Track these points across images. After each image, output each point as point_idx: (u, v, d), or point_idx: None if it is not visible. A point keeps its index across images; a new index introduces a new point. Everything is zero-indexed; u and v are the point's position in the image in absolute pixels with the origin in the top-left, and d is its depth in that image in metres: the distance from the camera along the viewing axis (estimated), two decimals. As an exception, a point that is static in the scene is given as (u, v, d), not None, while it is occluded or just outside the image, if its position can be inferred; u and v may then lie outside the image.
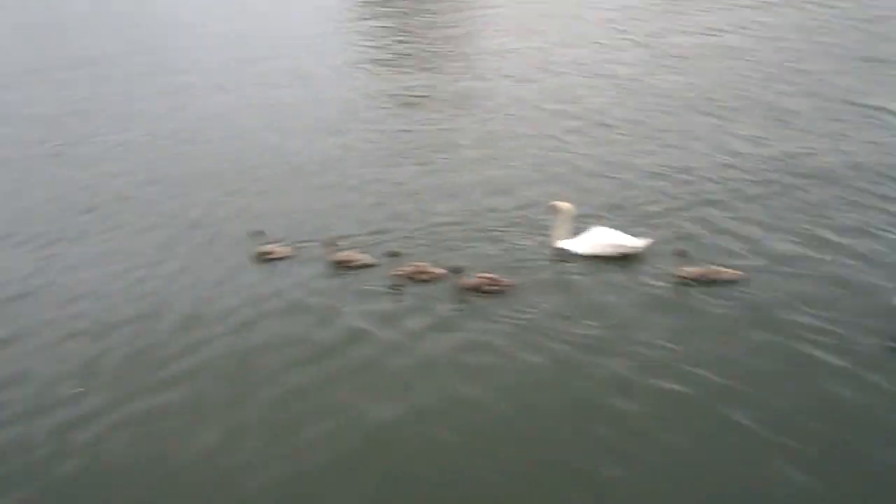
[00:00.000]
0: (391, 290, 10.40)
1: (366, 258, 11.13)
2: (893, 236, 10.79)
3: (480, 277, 10.13)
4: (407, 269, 10.64)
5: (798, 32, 23.33)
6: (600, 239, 10.71)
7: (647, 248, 10.58)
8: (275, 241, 11.78)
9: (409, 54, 25.13)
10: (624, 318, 9.23)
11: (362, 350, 9.14)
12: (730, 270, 9.85)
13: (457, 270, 10.20)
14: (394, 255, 10.79)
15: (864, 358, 8.17)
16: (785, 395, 7.73)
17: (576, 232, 11.01)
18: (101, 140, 18.83)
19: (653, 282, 10.03)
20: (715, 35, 23.69)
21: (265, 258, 11.52)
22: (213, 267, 11.58)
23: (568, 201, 11.19)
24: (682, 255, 9.94)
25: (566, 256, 10.84)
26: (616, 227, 10.95)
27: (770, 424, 7.31)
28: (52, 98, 23.94)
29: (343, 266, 11.09)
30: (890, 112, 15.73)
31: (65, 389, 8.84)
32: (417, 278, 10.51)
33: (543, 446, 7.39)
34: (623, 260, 10.56)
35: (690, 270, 9.87)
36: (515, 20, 29.28)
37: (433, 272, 10.51)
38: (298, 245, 11.83)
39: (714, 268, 9.88)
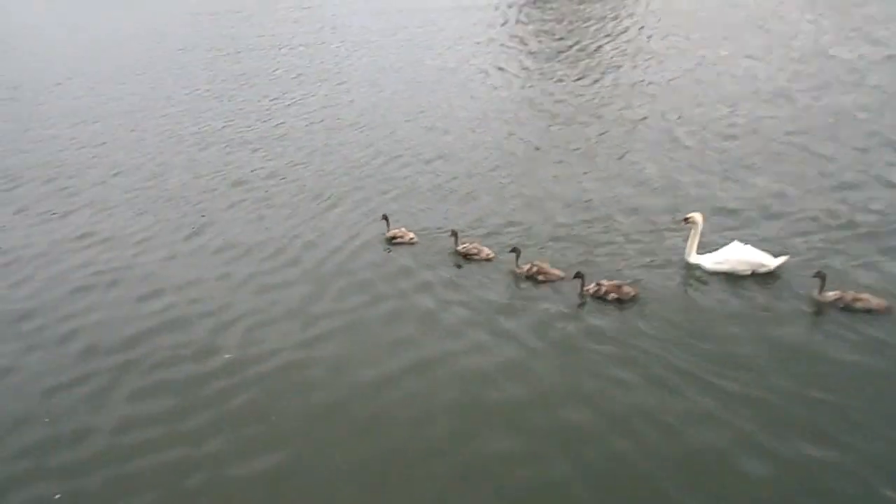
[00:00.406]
0: (509, 285, 10.50)
1: (487, 251, 11.28)
2: None
3: (600, 283, 9.95)
4: (525, 266, 10.68)
5: None
6: (735, 255, 10.20)
7: (785, 268, 10.01)
8: (403, 227, 12.24)
9: (560, 57, 25.00)
10: (737, 344, 8.68)
11: (463, 340, 9.33)
12: (874, 298, 9.10)
13: (579, 275, 10.10)
14: (514, 251, 10.85)
15: None
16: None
17: (711, 246, 10.64)
18: (261, 125, 20.22)
19: (780, 304, 9.46)
20: None
21: (393, 241, 11.99)
22: (345, 246, 12.22)
23: (703, 214, 10.80)
24: (822, 278, 9.32)
25: (698, 270, 10.44)
26: (753, 243, 10.40)
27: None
28: (215, 84, 26.02)
29: (465, 256, 11.32)
30: None
31: (209, 339, 9.84)
32: (535, 277, 10.53)
33: (621, 460, 7.19)
34: (756, 277, 10.04)
35: (828, 294, 9.26)
36: (688, 26, 28.14)
37: (551, 272, 10.48)
38: (425, 232, 12.26)
39: (855, 294, 9.17)
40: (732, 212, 12.14)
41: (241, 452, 7.72)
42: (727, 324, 9.15)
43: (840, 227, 11.22)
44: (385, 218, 12.28)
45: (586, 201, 13.12)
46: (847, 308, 9.10)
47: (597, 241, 11.55)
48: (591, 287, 9.94)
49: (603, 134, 16.76)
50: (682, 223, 10.81)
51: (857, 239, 10.83)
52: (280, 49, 31.69)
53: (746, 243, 10.32)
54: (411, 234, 12.03)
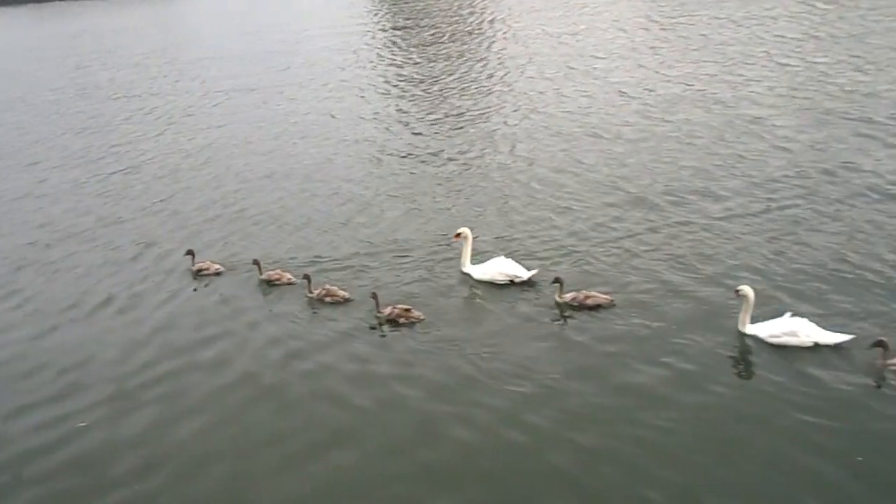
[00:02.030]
0: (303, 308, 11.62)
1: (289, 277, 12.37)
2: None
3: (395, 307, 10.98)
4: (318, 290, 11.80)
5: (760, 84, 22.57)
6: (497, 267, 11.78)
7: (537, 276, 11.60)
8: (209, 260, 13.22)
9: (410, 99, 26.31)
10: (509, 347, 10.01)
11: (245, 356, 10.47)
12: (601, 295, 10.78)
13: (374, 296, 11.20)
14: (306, 277, 11.95)
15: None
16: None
17: (480, 260, 12.15)
18: (93, 176, 20.43)
19: (534, 307, 11.02)
20: (680, 84, 23.11)
21: (200, 274, 12.92)
22: (160, 282, 13.10)
23: (470, 229, 12.32)
24: (560, 283, 10.89)
25: (469, 280, 11.91)
26: (514, 258, 11.99)
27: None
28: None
29: (268, 283, 12.38)
30: (855, 169, 14.91)
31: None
32: (324, 299, 11.66)
33: (388, 460, 8.26)
34: (516, 286, 11.59)
35: (566, 296, 10.85)
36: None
37: (338, 294, 11.64)
38: (231, 263, 13.28)
39: (587, 293, 10.82)
40: (511, 232, 13.68)
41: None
42: (499, 331, 10.50)
43: (579, 241, 12.97)
44: (190, 253, 13.15)
45: (377, 226, 14.41)
46: (582, 305, 10.71)
47: (391, 262, 12.78)
48: (387, 310, 11.03)
49: (403, 175, 17.68)
50: (455, 238, 12.29)
51: (587, 252, 12.50)
52: (131, 94, 31.67)
53: (509, 258, 11.92)
54: (217, 265, 12.96)
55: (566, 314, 10.67)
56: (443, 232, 13.69)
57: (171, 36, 49.05)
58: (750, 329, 9.55)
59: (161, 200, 17.47)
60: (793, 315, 9.42)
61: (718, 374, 9.01)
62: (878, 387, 8.47)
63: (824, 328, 9.24)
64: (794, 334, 9.15)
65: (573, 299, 10.78)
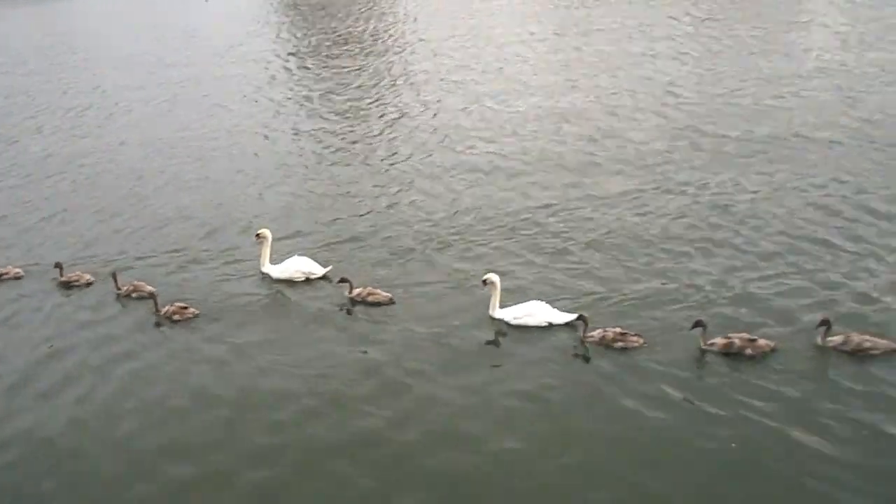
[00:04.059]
0: (113, 304, 12.08)
1: (88, 278, 12.69)
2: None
3: (170, 305, 11.49)
4: (125, 286, 12.22)
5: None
6: (294, 266, 12.52)
7: (325, 274, 12.43)
8: (9, 265, 13.38)
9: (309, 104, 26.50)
10: (293, 342, 10.75)
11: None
12: (383, 292, 11.59)
13: (152, 295, 11.74)
14: (112, 275, 12.36)
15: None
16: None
17: (279, 260, 12.80)
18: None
19: (323, 305, 11.77)
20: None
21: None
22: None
23: (270, 230, 12.99)
24: (349, 283, 11.72)
25: (268, 279, 12.56)
26: (310, 256, 12.75)
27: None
28: None
29: (66, 285, 12.64)
30: (694, 185, 15.10)
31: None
32: (131, 295, 12.10)
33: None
34: (311, 282, 12.37)
35: (354, 293, 11.65)
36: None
37: (144, 290, 12.09)
38: (29, 266, 13.44)
39: (371, 289, 11.65)
40: (305, 234, 14.45)
41: None
42: (283, 327, 11.21)
43: (358, 240, 13.87)
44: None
45: (181, 227, 15.07)
46: (364, 301, 11.54)
47: (194, 262, 13.38)
48: (164, 308, 11.49)
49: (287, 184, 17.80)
50: (255, 238, 12.96)
51: (360, 249, 13.46)
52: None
53: (303, 256, 12.68)
54: (17, 269, 13.08)
55: (353, 309, 11.45)
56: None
57: (50, 38, 47.11)
58: (498, 313, 10.63)
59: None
60: (536, 300, 10.59)
61: (474, 355, 10.01)
62: (578, 355, 9.82)
63: (562, 310, 10.44)
64: (531, 315, 10.31)
65: (358, 295, 11.62)
